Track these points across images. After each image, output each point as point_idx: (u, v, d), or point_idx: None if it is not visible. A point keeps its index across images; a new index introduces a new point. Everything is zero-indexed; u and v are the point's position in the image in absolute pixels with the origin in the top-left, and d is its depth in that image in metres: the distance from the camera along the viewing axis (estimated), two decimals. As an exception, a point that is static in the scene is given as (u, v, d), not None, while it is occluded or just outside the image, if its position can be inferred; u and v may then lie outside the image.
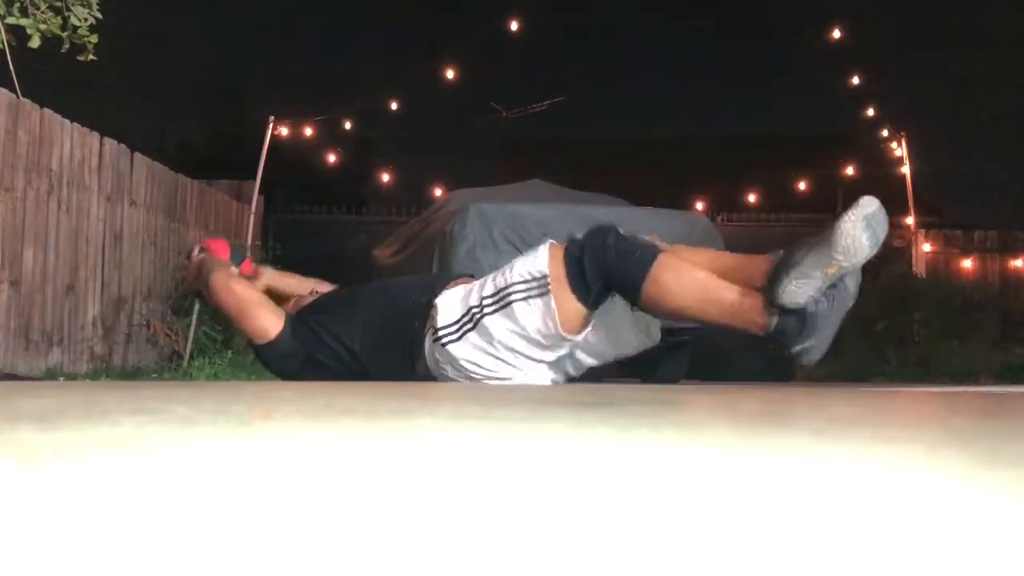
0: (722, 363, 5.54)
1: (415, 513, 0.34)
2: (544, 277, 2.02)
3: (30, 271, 3.18)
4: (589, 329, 2.07)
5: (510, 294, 2.05)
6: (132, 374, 3.62)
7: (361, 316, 2.33)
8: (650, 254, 1.96)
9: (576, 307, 2.01)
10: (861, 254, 1.80)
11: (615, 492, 0.40)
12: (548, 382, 2.19)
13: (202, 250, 2.71)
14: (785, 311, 1.83)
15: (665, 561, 0.28)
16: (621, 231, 2.03)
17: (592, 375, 2.38)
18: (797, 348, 1.85)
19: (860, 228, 1.79)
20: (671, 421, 0.84)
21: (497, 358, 2.11)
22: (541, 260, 2.04)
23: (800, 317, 1.83)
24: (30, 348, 3.17)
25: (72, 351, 3.43)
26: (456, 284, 2.27)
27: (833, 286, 1.84)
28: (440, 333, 2.12)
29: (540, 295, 2.02)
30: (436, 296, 2.18)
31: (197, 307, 3.89)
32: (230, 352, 3.92)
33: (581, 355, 2.20)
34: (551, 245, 2.07)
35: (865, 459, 0.53)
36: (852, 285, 1.87)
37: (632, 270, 1.96)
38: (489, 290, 2.09)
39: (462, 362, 2.11)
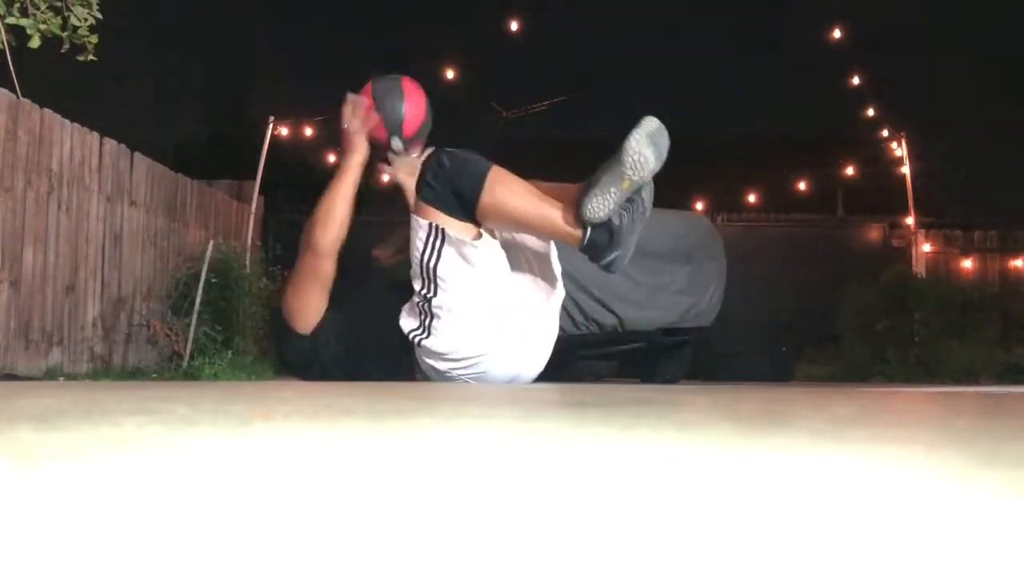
0: (722, 363, 5.53)
1: (415, 513, 0.34)
2: (429, 225, 2.21)
3: (30, 271, 3.18)
4: (487, 232, 2.27)
5: (427, 265, 2.22)
6: (132, 374, 3.61)
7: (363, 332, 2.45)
8: (483, 163, 2.23)
9: (464, 225, 2.21)
10: (647, 168, 2.03)
11: (615, 491, 0.40)
12: (542, 317, 2.37)
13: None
14: (595, 226, 2.09)
15: (665, 560, 0.28)
16: (454, 151, 2.27)
17: (592, 374, 2.42)
18: (607, 259, 2.10)
19: (644, 145, 2.02)
20: (671, 421, 0.84)
21: (471, 322, 2.24)
22: (418, 220, 2.24)
23: (607, 230, 2.08)
24: (30, 348, 3.17)
25: (72, 351, 3.43)
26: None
27: (631, 200, 2.08)
28: (413, 337, 2.29)
29: (442, 243, 2.20)
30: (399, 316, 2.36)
31: (197, 307, 3.89)
32: (230, 352, 3.92)
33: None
34: (415, 205, 2.27)
35: (865, 459, 0.53)
36: (647, 197, 2.12)
37: (469, 178, 2.19)
38: (417, 284, 2.27)
39: (444, 347, 2.26)
